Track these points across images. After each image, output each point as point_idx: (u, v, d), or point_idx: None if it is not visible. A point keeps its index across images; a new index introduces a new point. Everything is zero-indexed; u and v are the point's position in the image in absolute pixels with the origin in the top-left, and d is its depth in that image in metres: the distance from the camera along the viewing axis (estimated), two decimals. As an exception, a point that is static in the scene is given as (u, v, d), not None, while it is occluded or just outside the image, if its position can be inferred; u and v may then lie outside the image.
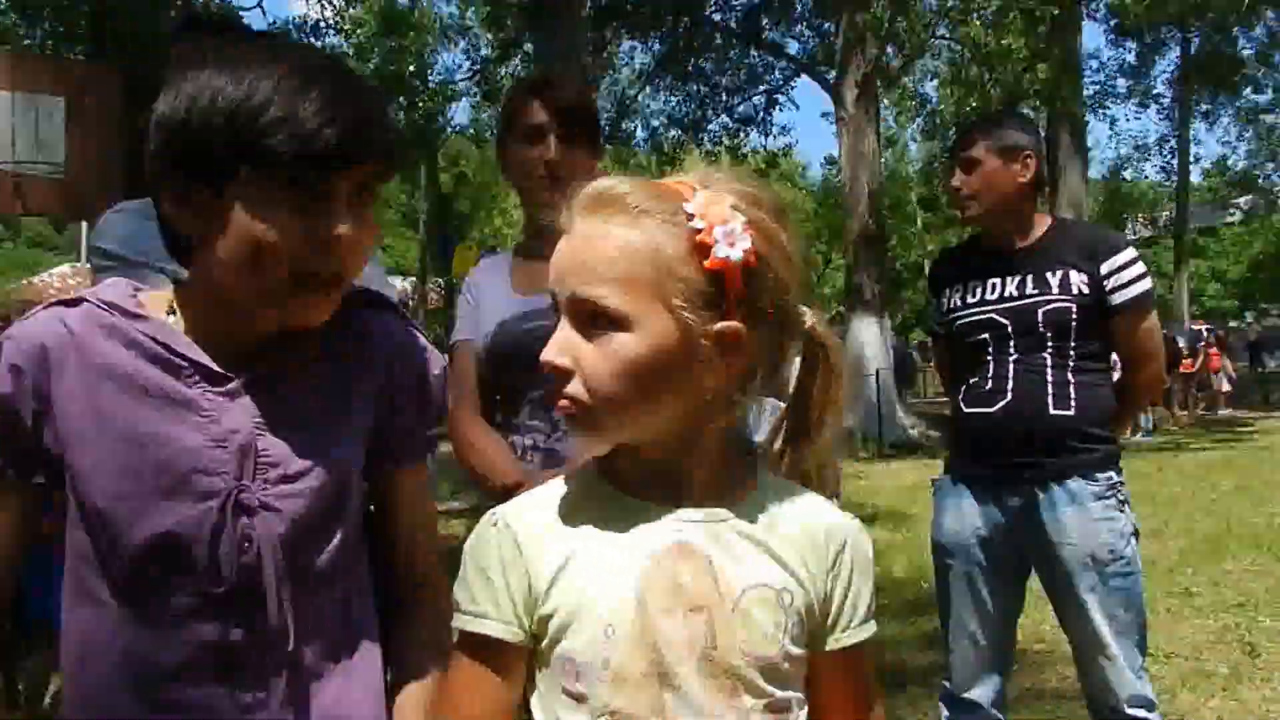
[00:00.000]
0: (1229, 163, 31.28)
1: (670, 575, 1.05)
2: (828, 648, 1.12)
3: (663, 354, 1.01)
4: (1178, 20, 24.16)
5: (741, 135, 23.25)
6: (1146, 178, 35.33)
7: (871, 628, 1.15)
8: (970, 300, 2.70)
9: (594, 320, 1.02)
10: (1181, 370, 21.06)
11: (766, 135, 23.52)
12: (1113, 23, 25.66)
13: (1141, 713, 2.54)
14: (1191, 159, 31.04)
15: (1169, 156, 30.24)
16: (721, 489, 1.11)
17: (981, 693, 2.69)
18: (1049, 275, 2.61)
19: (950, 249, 3.11)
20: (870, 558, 1.16)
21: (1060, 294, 2.59)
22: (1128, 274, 2.61)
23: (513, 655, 1.07)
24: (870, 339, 16.07)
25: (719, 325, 1.02)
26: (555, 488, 1.14)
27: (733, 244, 1.01)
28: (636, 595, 1.04)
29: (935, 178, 26.34)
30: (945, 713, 2.76)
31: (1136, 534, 2.61)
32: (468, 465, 2.12)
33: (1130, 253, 2.64)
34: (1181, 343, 22.11)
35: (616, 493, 1.10)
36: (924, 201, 26.95)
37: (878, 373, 15.77)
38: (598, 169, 2.18)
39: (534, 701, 1.08)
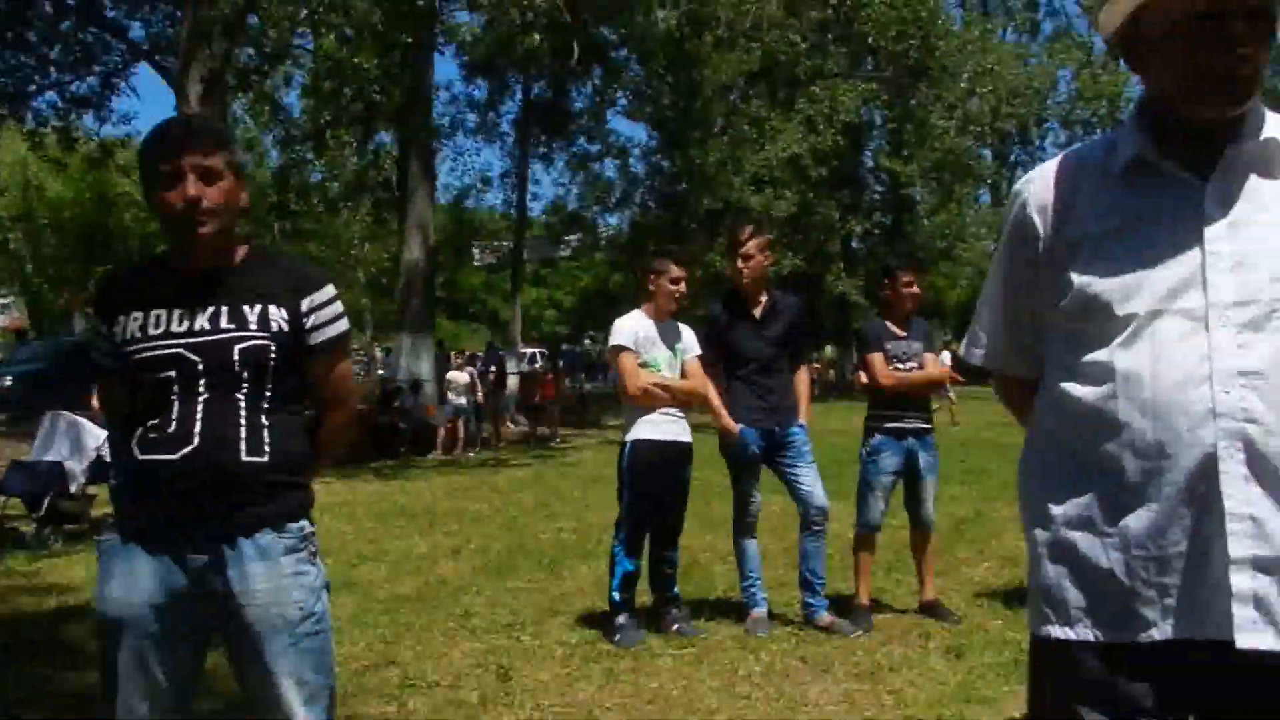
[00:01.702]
0: (564, 202, 34.21)
1: None
2: None
3: None
4: (517, 65, 26.18)
5: (74, 117, 20.92)
6: (490, 208, 37.75)
7: None
8: (153, 332, 2.30)
9: None
10: (513, 391, 22.66)
11: (103, 122, 21.45)
12: (463, 59, 27.20)
13: None
14: (530, 196, 33.77)
15: (511, 191, 32.54)
16: None
17: None
18: (246, 309, 2.32)
19: (121, 269, 2.63)
20: None
21: (259, 330, 2.31)
22: (328, 312, 2.42)
23: None
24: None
25: None
26: None
27: None
28: None
29: (290, 186, 25.92)
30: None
31: (328, 588, 2.42)
32: None
33: (331, 290, 2.45)
34: (512, 365, 23.83)
35: None
36: (278, 208, 26.35)
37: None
38: None
39: None
